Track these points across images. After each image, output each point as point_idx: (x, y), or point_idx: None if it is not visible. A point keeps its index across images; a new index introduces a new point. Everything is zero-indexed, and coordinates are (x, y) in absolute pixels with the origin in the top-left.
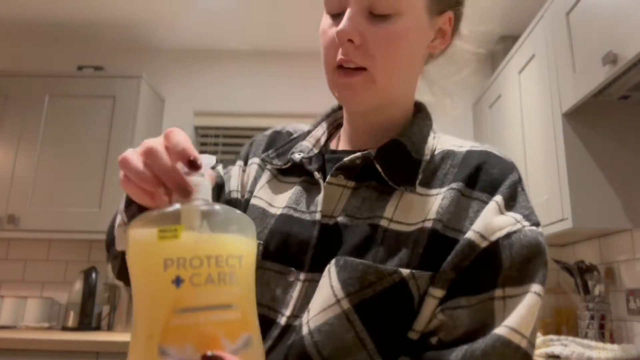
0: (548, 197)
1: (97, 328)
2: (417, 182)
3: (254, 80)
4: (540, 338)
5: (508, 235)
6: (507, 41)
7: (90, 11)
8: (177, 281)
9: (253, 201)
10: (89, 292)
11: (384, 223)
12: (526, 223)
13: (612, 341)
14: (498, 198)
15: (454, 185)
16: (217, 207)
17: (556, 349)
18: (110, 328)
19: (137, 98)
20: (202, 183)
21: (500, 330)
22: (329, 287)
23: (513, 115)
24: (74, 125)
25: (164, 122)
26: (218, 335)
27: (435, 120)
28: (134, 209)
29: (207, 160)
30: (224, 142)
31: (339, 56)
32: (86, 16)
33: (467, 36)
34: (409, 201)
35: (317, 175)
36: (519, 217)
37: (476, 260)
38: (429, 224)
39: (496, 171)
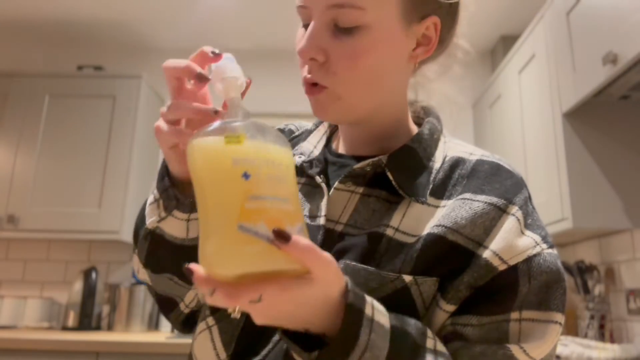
0: (548, 197)
1: (97, 328)
2: (428, 192)
3: (254, 80)
4: None
5: (528, 260)
6: (507, 41)
7: (90, 11)
8: (246, 175)
9: None
10: (89, 292)
11: (389, 232)
12: (544, 246)
13: (612, 341)
14: (518, 213)
15: (460, 197)
16: (262, 123)
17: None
18: (110, 328)
19: (137, 98)
20: (224, 65)
21: (510, 345)
22: None
23: (513, 115)
24: (74, 125)
25: None
26: (282, 219)
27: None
28: (166, 183)
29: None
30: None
31: (304, 73)
32: (86, 16)
33: (463, 35)
34: (417, 211)
35: (318, 179)
36: (538, 238)
37: (492, 282)
38: (434, 230)
39: (509, 182)
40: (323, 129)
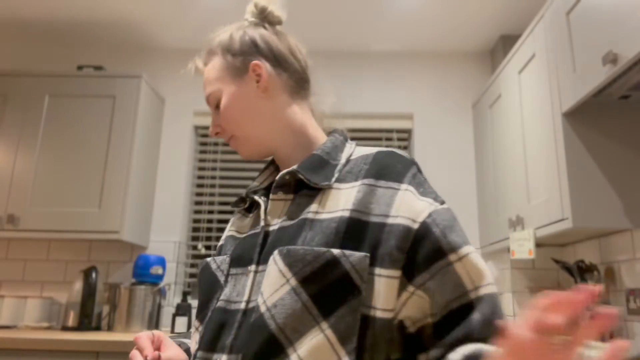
0: (548, 197)
1: (97, 328)
2: (334, 179)
3: None
4: None
5: (430, 215)
6: (507, 41)
7: (90, 11)
8: None
9: (227, 233)
10: (89, 292)
11: (310, 216)
12: (437, 204)
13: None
14: (410, 188)
15: (365, 181)
16: None
17: None
18: (110, 328)
19: (137, 98)
20: None
21: (482, 290)
22: (278, 271)
23: (513, 115)
24: (74, 125)
25: (164, 122)
26: None
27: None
28: None
29: None
30: (224, 141)
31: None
32: (86, 16)
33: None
34: (330, 195)
35: (256, 197)
36: (430, 200)
37: (415, 240)
38: (347, 213)
39: (400, 166)
40: (268, 171)
